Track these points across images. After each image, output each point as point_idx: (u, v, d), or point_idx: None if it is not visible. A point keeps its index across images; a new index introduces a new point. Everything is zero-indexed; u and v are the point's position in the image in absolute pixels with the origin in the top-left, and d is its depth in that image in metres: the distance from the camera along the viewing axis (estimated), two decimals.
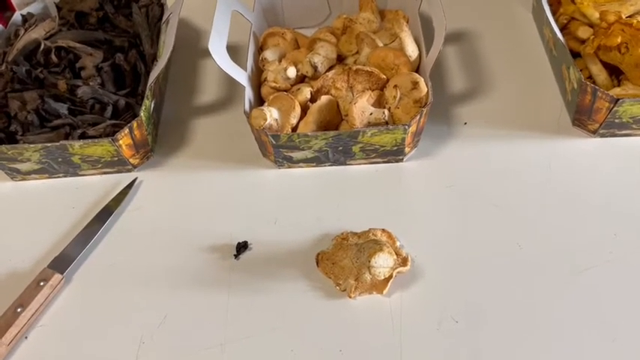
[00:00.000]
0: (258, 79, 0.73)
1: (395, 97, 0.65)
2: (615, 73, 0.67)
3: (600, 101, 0.62)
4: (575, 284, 0.55)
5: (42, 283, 0.58)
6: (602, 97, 0.62)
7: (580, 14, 0.70)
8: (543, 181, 0.64)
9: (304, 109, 0.67)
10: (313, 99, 0.68)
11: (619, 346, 0.51)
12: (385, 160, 0.67)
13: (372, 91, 0.67)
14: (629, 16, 0.67)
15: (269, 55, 0.73)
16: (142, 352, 0.55)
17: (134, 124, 0.65)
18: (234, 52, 0.81)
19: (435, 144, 0.69)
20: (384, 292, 0.55)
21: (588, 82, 0.62)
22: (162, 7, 0.81)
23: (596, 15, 0.68)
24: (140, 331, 0.56)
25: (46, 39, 0.76)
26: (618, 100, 0.60)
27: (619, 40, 0.63)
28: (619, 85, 0.66)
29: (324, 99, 0.66)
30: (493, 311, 0.54)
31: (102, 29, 0.78)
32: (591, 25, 0.69)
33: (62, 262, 0.61)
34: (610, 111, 0.62)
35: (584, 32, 0.68)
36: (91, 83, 0.70)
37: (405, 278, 0.57)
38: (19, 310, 0.56)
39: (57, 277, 0.59)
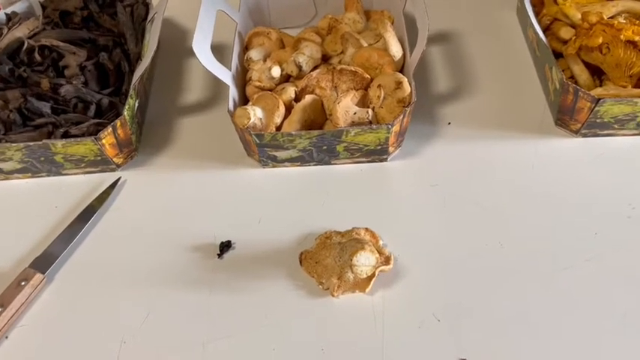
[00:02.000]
0: (243, 79, 0.73)
1: (379, 96, 0.65)
2: (597, 74, 0.68)
3: (582, 101, 0.63)
4: (556, 283, 0.55)
5: (23, 283, 0.58)
6: (583, 97, 0.62)
7: (563, 15, 0.70)
8: (526, 181, 0.64)
9: (289, 109, 0.67)
10: (298, 98, 0.68)
11: (599, 343, 0.51)
12: (369, 159, 0.67)
13: (357, 90, 0.67)
14: (611, 17, 0.68)
15: (254, 54, 0.73)
16: (124, 352, 0.54)
17: (117, 123, 0.65)
18: (220, 51, 0.81)
19: (420, 144, 0.69)
20: (367, 290, 0.55)
21: (570, 82, 0.63)
22: (147, 6, 0.81)
23: (578, 16, 0.68)
24: (122, 330, 0.56)
25: (30, 38, 0.75)
26: (599, 100, 0.61)
27: (600, 40, 0.64)
28: (601, 85, 0.66)
29: (308, 98, 0.66)
30: (475, 310, 0.54)
31: (86, 28, 0.78)
32: (573, 26, 0.69)
33: (44, 262, 0.60)
34: (591, 111, 0.63)
35: (566, 33, 0.69)
36: (74, 82, 0.69)
37: (388, 277, 0.57)
38: None
39: (38, 276, 0.59)
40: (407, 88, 0.64)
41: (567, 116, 0.66)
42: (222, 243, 0.61)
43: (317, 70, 0.68)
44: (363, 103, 0.67)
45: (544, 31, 0.70)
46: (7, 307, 0.56)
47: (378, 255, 0.56)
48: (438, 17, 0.83)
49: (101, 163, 0.68)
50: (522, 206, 0.62)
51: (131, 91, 0.67)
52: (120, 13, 0.78)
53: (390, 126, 0.62)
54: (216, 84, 0.79)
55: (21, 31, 0.76)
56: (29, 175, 0.70)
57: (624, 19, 0.65)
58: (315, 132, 0.63)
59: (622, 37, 0.63)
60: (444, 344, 0.52)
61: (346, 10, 0.78)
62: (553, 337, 0.52)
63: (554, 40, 0.70)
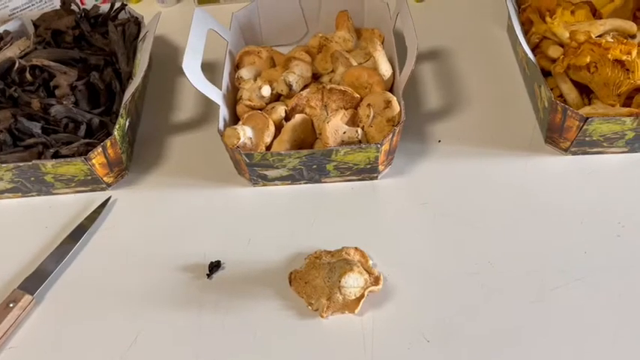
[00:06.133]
0: (234, 98, 0.73)
1: (368, 115, 0.65)
2: (586, 92, 0.68)
3: (570, 120, 0.63)
4: (546, 302, 0.55)
5: (11, 305, 0.58)
6: (571, 116, 0.62)
7: (551, 34, 0.71)
8: (516, 199, 0.64)
9: (279, 128, 0.67)
10: (288, 117, 0.68)
11: None
12: (360, 177, 0.67)
13: (346, 109, 0.67)
14: (599, 36, 0.68)
15: (244, 73, 0.73)
16: None
17: (107, 142, 0.65)
18: (211, 69, 0.81)
19: (410, 162, 0.69)
20: (356, 311, 0.55)
21: (558, 101, 0.63)
22: (138, 25, 0.81)
23: (567, 35, 0.69)
24: (111, 351, 0.55)
25: (21, 57, 0.76)
26: (587, 118, 0.61)
27: (588, 59, 0.64)
28: (589, 104, 0.66)
29: (298, 117, 0.67)
30: (464, 330, 0.54)
31: (78, 47, 0.79)
32: (562, 45, 0.70)
33: (33, 283, 0.60)
34: (580, 129, 0.63)
35: (554, 51, 0.69)
36: (64, 102, 0.69)
37: (378, 297, 0.57)
38: None
39: (27, 298, 0.59)
40: (396, 107, 0.65)
41: (556, 134, 0.66)
42: (211, 263, 0.61)
43: (307, 90, 0.69)
44: (353, 122, 0.67)
45: (533, 50, 0.71)
46: None
47: (367, 276, 0.56)
48: (429, 35, 0.84)
49: (91, 183, 0.68)
50: (511, 225, 0.62)
51: (122, 111, 0.68)
52: (111, 32, 0.78)
53: (379, 145, 0.62)
54: (208, 102, 0.79)
55: (12, 51, 0.77)
56: (19, 194, 0.70)
57: (612, 38, 0.66)
58: (305, 151, 0.63)
59: (609, 56, 0.63)
60: None
61: (337, 29, 0.79)
62: (543, 357, 0.52)
63: (543, 58, 0.70)
